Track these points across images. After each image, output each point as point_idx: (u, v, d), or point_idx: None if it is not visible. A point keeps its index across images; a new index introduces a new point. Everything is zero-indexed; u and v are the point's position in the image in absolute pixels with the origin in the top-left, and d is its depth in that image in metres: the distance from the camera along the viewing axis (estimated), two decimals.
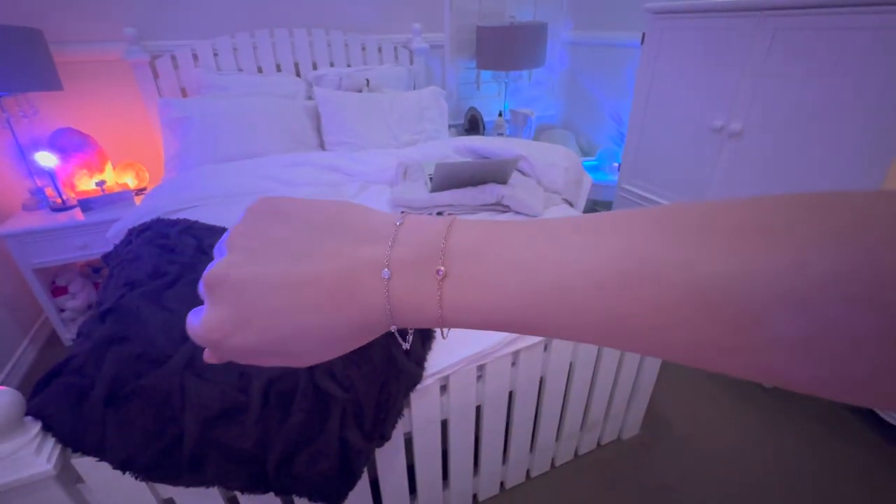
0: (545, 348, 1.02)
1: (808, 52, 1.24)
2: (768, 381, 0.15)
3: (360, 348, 0.80)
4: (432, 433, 0.96)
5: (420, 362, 0.84)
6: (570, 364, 1.09)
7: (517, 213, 1.29)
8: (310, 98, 2.01)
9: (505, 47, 2.20)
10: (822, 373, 0.13)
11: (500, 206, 1.30)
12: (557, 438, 1.22)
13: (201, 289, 0.22)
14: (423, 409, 0.90)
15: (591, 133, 2.70)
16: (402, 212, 0.28)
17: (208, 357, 0.24)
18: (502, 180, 1.35)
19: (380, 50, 2.24)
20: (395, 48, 2.28)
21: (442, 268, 0.19)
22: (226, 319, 0.20)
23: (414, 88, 2.28)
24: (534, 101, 2.81)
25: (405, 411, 0.87)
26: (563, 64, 2.76)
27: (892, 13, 1.06)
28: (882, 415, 1.34)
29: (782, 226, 0.14)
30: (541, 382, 1.07)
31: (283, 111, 1.82)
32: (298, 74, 2.10)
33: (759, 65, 1.36)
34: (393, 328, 0.21)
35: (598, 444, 1.34)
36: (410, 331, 0.22)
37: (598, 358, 1.13)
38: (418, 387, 0.84)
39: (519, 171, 1.50)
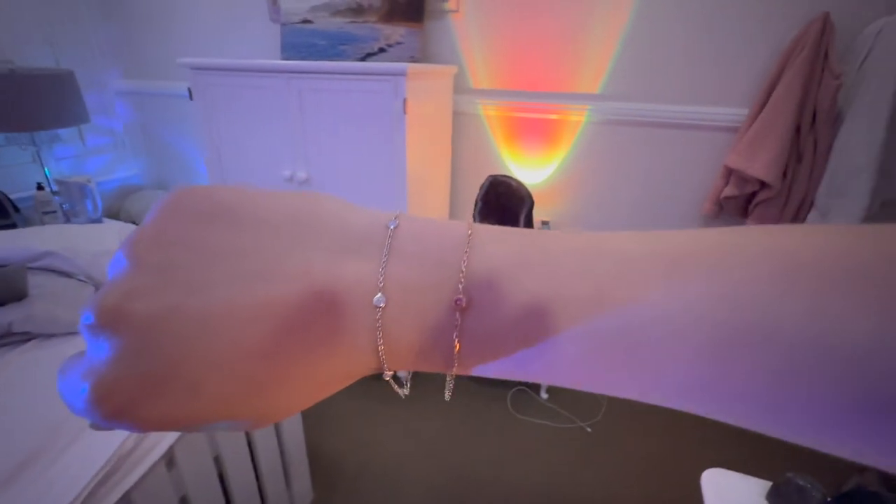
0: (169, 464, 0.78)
1: (329, 110, 1.45)
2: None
3: None
4: None
5: None
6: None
7: (49, 336, 0.94)
8: None
9: (10, 102, 1.63)
10: None
11: (16, 336, 0.91)
12: None
13: (85, 327, 0.14)
14: None
15: None
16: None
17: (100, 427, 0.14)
18: (14, 297, 0.95)
19: None
20: None
21: (462, 297, 0.14)
22: (131, 377, 0.13)
23: None
24: (100, 163, 2.27)
25: None
26: (127, 116, 2.35)
27: (375, 81, 1.35)
28: None
29: None
30: None
31: None
32: None
33: (299, 120, 1.50)
34: (387, 374, 0.15)
35: None
36: (408, 374, 0.17)
37: (219, 459, 0.96)
38: None
39: (53, 270, 1.11)
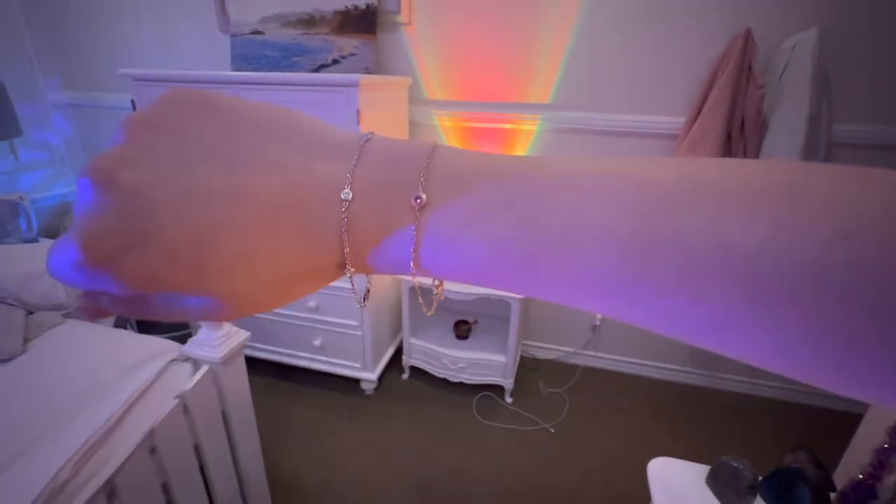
0: (110, 496, 0.73)
1: None
2: (776, 370, 0.13)
3: None
4: None
5: None
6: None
7: None
8: None
9: None
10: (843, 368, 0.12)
11: None
12: None
13: (80, 184, 0.15)
14: None
15: None
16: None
17: (86, 304, 0.16)
18: None
19: None
20: None
21: (422, 195, 0.15)
22: (117, 231, 0.14)
23: None
24: (36, 179, 2.13)
25: None
26: (66, 129, 2.22)
27: (327, 92, 1.35)
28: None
29: (817, 191, 0.12)
30: None
31: None
32: None
33: None
34: (348, 272, 0.17)
35: None
36: (369, 281, 0.18)
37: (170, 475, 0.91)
38: None
39: None
